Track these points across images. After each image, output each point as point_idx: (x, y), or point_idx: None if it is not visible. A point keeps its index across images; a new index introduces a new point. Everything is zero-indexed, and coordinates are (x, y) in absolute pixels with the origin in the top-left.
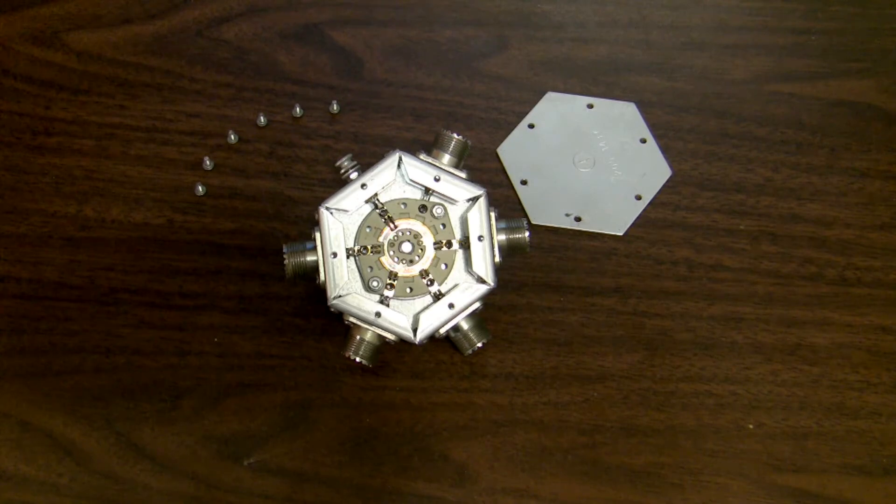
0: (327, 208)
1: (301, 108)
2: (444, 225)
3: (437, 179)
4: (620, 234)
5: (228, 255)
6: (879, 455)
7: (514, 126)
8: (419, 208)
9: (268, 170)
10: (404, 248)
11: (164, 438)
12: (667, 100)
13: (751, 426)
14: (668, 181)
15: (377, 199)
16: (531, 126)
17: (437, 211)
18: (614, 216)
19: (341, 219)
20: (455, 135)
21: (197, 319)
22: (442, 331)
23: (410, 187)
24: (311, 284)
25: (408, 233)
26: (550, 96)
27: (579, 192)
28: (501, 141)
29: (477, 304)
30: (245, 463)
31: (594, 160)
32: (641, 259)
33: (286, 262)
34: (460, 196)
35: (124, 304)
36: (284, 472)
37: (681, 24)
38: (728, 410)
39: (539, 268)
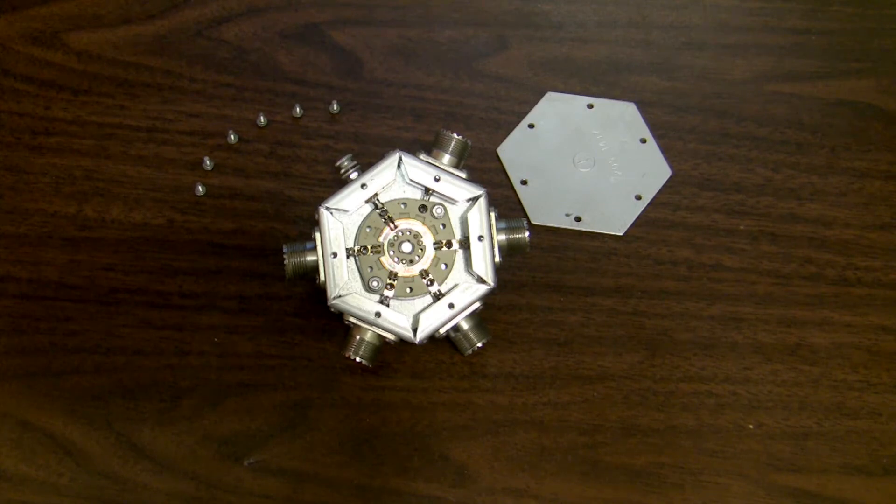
0: (327, 208)
1: (301, 108)
2: (444, 225)
3: (437, 179)
4: (620, 234)
5: (228, 255)
6: (879, 455)
7: (514, 126)
8: (419, 208)
9: (268, 170)
10: (404, 248)
11: (164, 438)
12: (667, 100)
13: (751, 426)
14: (668, 181)
15: (377, 199)
16: (531, 126)
17: (437, 211)
18: (614, 216)
19: (341, 219)
20: (455, 135)
21: (197, 319)
22: (442, 331)
23: (410, 187)
24: (311, 284)
25: (408, 233)
26: (550, 96)
27: (579, 192)
28: (501, 141)
29: (477, 304)
30: (245, 463)
31: (594, 160)
32: (641, 259)
33: (286, 262)
34: (460, 196)
35: (124, 304)
36: (284, 472)
37: (681, 24)
38: (728, 410)
39: (539, 268)
